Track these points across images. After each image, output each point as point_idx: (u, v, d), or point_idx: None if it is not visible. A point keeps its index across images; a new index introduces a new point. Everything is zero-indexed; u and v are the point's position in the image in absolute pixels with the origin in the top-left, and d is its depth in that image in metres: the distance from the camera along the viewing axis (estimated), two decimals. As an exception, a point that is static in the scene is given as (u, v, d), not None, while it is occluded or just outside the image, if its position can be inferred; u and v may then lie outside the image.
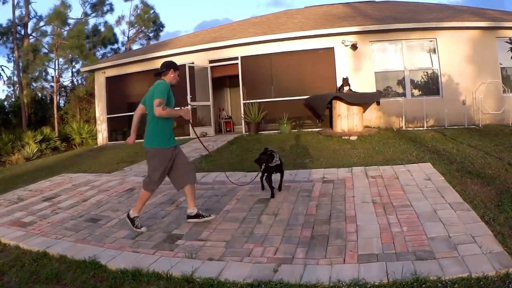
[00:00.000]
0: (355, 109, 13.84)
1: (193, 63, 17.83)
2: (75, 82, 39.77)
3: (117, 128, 20.36)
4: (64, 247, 5.76)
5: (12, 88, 45.15)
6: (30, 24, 37.49)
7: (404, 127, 14.89)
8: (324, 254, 4.75)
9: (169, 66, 6.28)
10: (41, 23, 37.15)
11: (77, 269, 5.00)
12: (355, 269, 4.29)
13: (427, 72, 16.21)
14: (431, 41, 15.90)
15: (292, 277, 4.24)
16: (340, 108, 13.93)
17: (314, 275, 4.22)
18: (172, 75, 6.24)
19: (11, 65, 42.70)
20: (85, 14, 38.59)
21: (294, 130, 15.97)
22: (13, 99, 42.18)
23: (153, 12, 41.74)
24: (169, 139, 6.17)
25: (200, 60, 18.14)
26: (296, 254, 4.84)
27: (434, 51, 15.89)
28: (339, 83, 15.47)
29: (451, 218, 5.42)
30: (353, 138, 12.66)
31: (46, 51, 36.27)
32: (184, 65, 17.20)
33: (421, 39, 16.00)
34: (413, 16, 17.51)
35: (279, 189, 7.65)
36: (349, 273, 4.20)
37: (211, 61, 18.18)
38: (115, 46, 41.07)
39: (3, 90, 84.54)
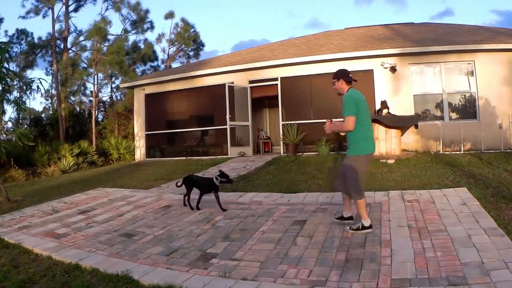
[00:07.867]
0: (393, 132, 13.75)
1: (232, 83, 18.18)
2: (114, 98, 40.37)
3: (155, 145, 20.71)
4: (97, 260, 5.89)
5: (49, 101, 46.12)
6: (70, 39, 38.51)
7: (441, 151, 14.84)
8: (358, 278, 4.73)
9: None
10: (81, 38, 38.00)
11: (109, 283, 5.08)
12: (387, 293, 4.27)
13: (464, 95, 16.11)
14: (469, 63, 15.83)
15: (324, 300, 4.23)
16: (378, 131, 13.86)
17: (346, 299, 4.23)
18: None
19: (49, 78, 43.61)
20: (125, 31, 39.35)
21: (332, 152, 15.95)
22: (50, 112, 43.04)
23: (193, 31, 42.21)
24: None
25: (240, 80, 18.46)
26: (329, 277, 4.83)
27: (472, 73, 15.81)
28: (378, 105, 15.40)
29: (485, 243, 5.40)
30: (391, 161, 12.65)
31: (85, 65, 36.97)
32: (224, 84, 17.41)
33: (459, 62, 15.94)
34: (451, 38, 17.48)
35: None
36: (382, 297, 4.19)
37: (250, 81, 18.48)
38: (155, 63, 41.67)
39: (40, 103, 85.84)
